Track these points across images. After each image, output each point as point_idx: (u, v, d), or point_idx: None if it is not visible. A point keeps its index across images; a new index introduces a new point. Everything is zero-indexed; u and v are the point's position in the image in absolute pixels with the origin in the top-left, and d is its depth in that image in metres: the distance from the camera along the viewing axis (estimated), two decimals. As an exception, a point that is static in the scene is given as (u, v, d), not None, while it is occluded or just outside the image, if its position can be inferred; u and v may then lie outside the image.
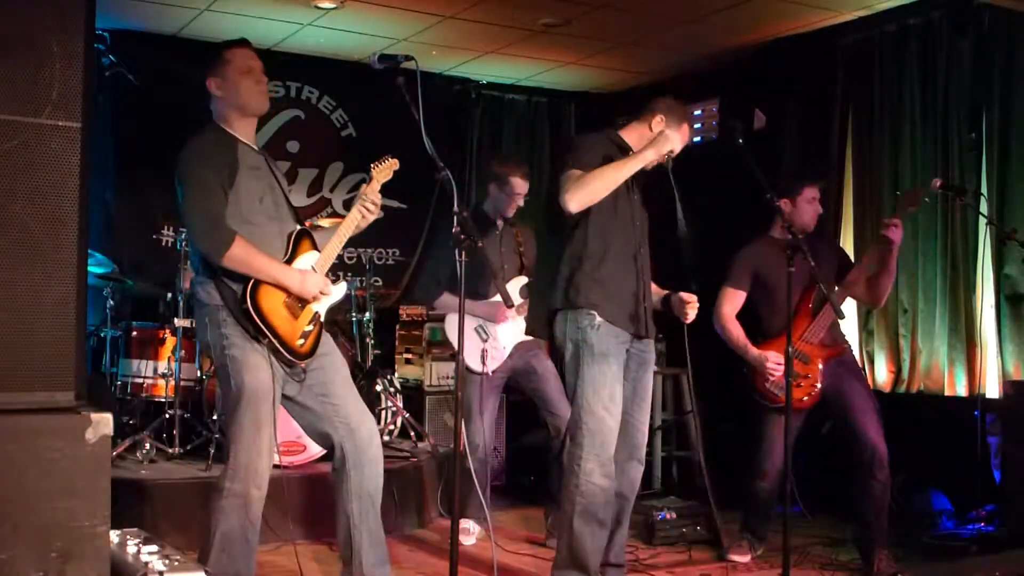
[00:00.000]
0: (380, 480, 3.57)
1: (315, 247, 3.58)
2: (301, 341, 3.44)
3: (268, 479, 3.38)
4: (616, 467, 3.78)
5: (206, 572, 2.65)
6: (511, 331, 5.02)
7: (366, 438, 3.52)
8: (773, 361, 4.50)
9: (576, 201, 3.63)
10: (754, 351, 4.59)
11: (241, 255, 3.30)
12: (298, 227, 3.56)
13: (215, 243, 3.29)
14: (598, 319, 3.72)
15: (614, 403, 3.72)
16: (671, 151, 3.73)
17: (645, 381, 3.93)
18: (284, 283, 3.41)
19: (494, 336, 4.96)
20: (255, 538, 3.40)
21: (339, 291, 3.61)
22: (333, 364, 3.60)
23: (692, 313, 3.90)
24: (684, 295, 3.91)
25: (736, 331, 4.65)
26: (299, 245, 3.52)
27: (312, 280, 3.46)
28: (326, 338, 3.63)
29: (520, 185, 5.00)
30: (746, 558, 4.67)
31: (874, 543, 4.43)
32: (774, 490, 4.60)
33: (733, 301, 4.69)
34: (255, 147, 3.54)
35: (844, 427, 4.50)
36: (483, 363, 4.88)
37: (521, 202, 5.04)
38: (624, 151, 3.83)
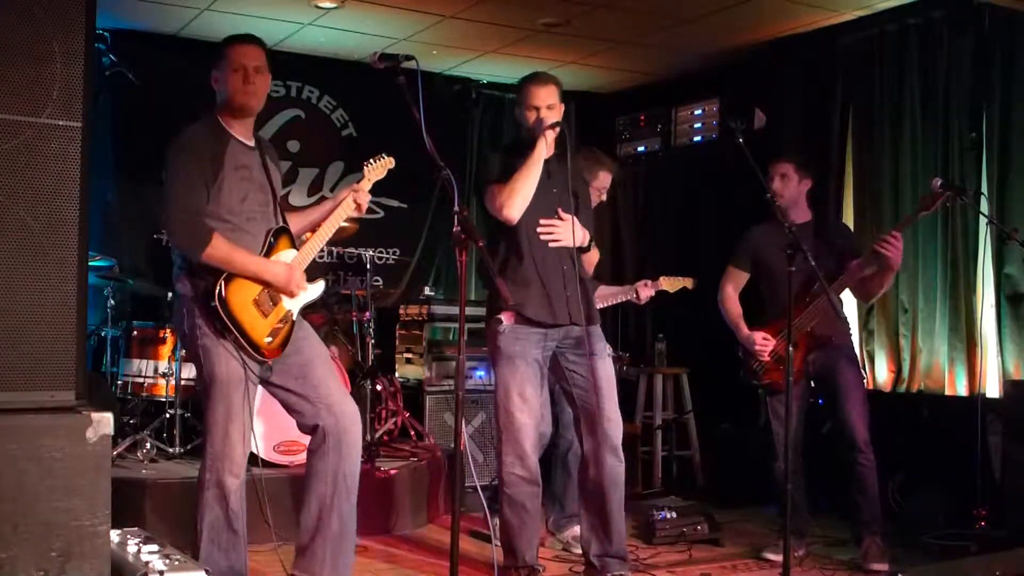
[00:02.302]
0: (357, 467, 3.55)
1: (293, 245, 3.58)
2: (269, 339, 3.44)
3: (245, 466, 3.40)
4: (592, 458, 4.01)
5: (206, 572, 2.65)
6: None
7: (347, 421, 3.52)
8: (760, 341, 4.58)
9: (514, 208, 3.85)
10: (745, 331, 4.68)
11: (219, 252, 3.32)
12: (278, 224, 3.56)
13: (192, 241, 3.32)
14: (504, 324, 3.91)
15: (524, 400, 3.95)
16: (550, 126, 3.86)
17: (595, 368, 4.00)
18: (265, 278, 3.41)
19: None
20: (241, 526, 3.41)
21: (314, 290, 3.61)
22: (311, 345, 3.61)
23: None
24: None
25: (733, 309, 4.76)
26: (277, 242, 3.52)
27: (286, 273, 3.46)
28: (302, 324, 3.61)
29: (606, 179, 4.97)
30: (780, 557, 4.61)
31: (864, 528, 4.42)
32: (796, 470, 4.47)
33: (734, 280, 4.81)
34: (250, 143, 3.53)
35: (832, 410, 4.60)
36: None
37: (604, 196, 5.00)
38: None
